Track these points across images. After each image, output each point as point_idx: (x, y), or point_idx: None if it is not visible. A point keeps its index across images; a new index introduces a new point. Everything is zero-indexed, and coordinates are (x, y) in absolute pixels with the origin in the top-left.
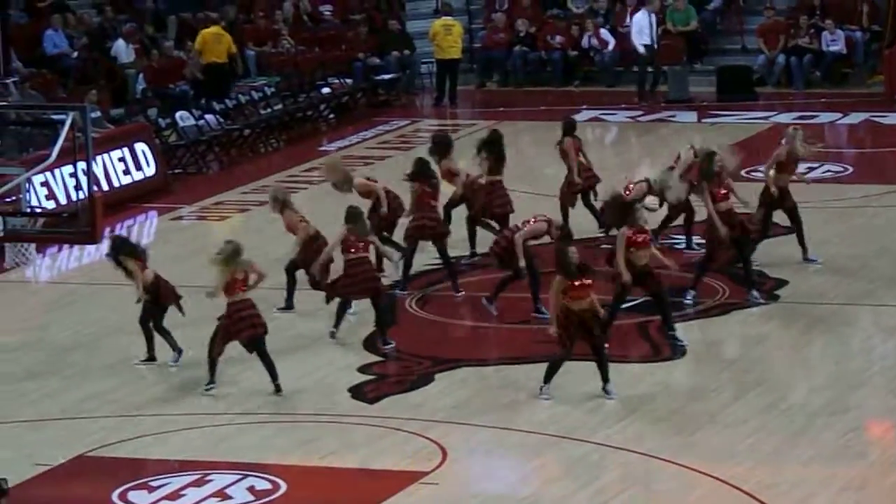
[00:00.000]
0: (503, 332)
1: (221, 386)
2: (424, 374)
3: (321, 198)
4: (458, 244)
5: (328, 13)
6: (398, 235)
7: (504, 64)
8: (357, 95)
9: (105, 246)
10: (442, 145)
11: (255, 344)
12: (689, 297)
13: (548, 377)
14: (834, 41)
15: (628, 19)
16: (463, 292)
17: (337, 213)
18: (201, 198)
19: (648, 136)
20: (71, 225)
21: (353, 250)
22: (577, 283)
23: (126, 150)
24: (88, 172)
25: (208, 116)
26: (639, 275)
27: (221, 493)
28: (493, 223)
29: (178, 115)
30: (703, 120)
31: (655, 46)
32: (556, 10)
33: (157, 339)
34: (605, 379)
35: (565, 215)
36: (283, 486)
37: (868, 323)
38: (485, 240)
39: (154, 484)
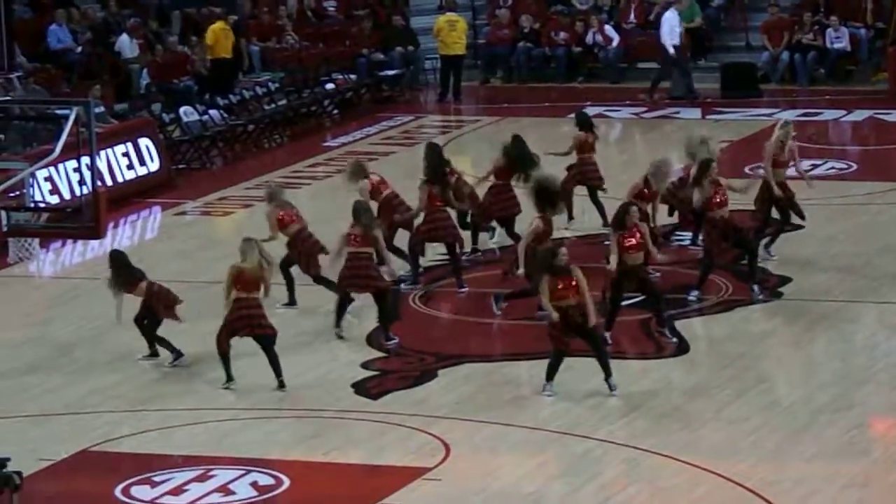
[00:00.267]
0: (506, 329)
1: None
2: (428, 370)
3: (324, 194)
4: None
5: (332, 9)
6: (400, 239)
7: (508, 60)
8: (361, 91)
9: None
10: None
11: (263, 343)
12: (692, 295)
13: (549, 376)
14: (838, 38)
15: (632, 15)
16: (467, 288)
17: (338, 209)
18: (205, 193)
19: (653, 133)
20: (75, 220)
21: (352, 244)
22: (560, 285)
23: (130, 145)
24: (92, 167)
25: (212, 112)
26: (629, 274)
27: (225, 489)
28: (495, 225)
29: (181, 110)
30: (708, 117)
31: (680, 45)
32: (560, 7)
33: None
34: (608, 374)
35: (569, 208)
36: (287, 482)
37: (872, 320)
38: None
39: (157, 479)
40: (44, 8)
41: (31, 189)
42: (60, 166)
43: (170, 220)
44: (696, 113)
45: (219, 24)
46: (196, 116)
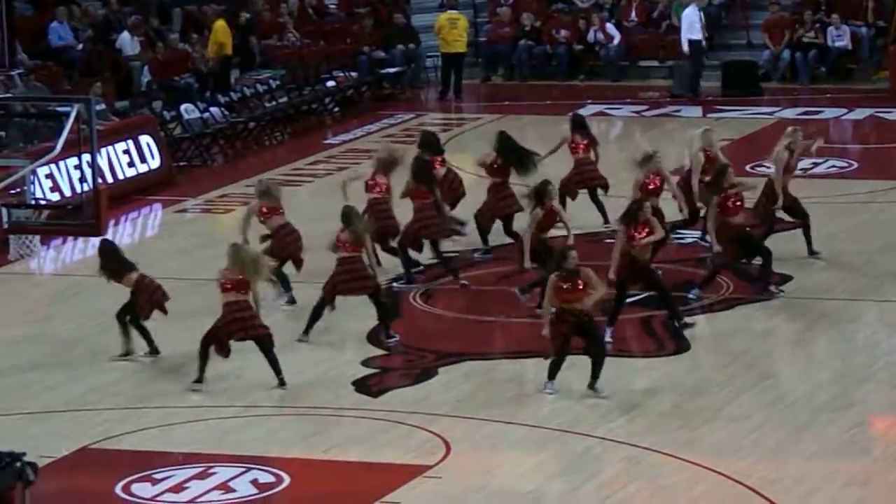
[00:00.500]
0: (507, 326)
1: (226, 379)
2: (428, 368)
3: (325, 192)
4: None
5: (333, 6)
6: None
7: (509, 58)
8: (362, 89)
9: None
10: (430, 144)
11: (262, 344)
12: (692, 294)
13: (551, 375)
14: (839, 36)
15: (633, 13)
16: (466, 281)
17: (339, 207)
18: (206, 190)
19: (653, 131)
20: (75, 217)
21: (344, 249)
22: (566, 286)
23: (131, 142)
24: (93, 165)
25: (213, 109)
26: (638, 270)
27: (225, 486)
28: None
29: (182, 107)
30: (709, 115)
31: (704, 42)
32: (562, 5)
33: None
34: (594, 377)
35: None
36: (287, 480)
37: (873, 318)
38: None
39: (158, 476)
40: (45, 5)
41: (32, 186)
42: (61, 163)
43: (171, 218)
44: (697, 111)
45: (222, 22)
46: (197, 114)
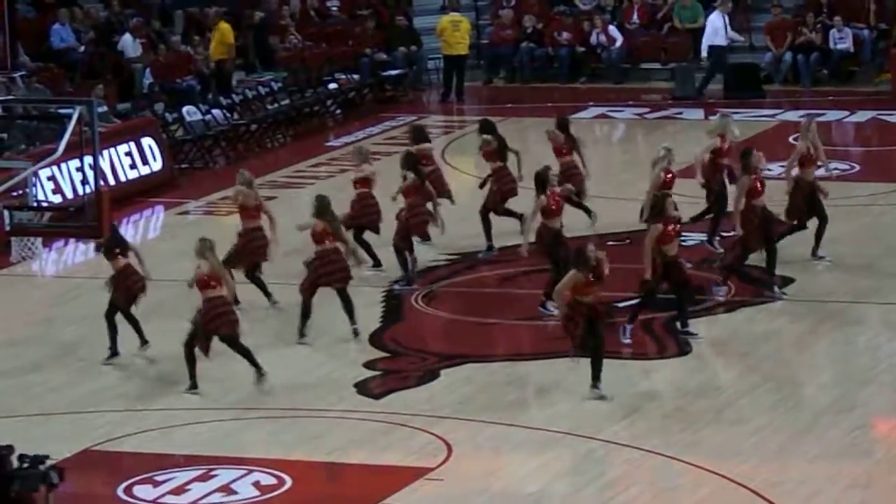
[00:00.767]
0: (509, 329)
1: (227, 381)
2: (430, 370)
3: (327, 194)
4: (462, 240)
5: (335, 8)
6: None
7: (511, 60)
8: (364, 91)
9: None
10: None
11: (232, 339)
12: (721, 294)
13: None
14: (842, 39)
15: (635, 16)
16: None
17: (340, 209)
18: (208, 192)
19: (655, 134)
20: (77, 219)
21: (326, 241)
22: (588, 281)
23: (133, 144)
24: (95, 167)
25: (215, 111)
26: (666, 266)
27: (227, 488)
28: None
29: (184, 109)
30: (710, 117)
31: (725, 48)
32: (563, 7)
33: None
34: (595, 377)
35: None
36: (289, 482)
37: (875, 321)
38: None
39: (159, 478)
40: (47, 7)
41: (34, 188)
42: (63, 165)
43: (172, 220)
44: (699, 114)
45: (227, 24)
46: (199, 116)
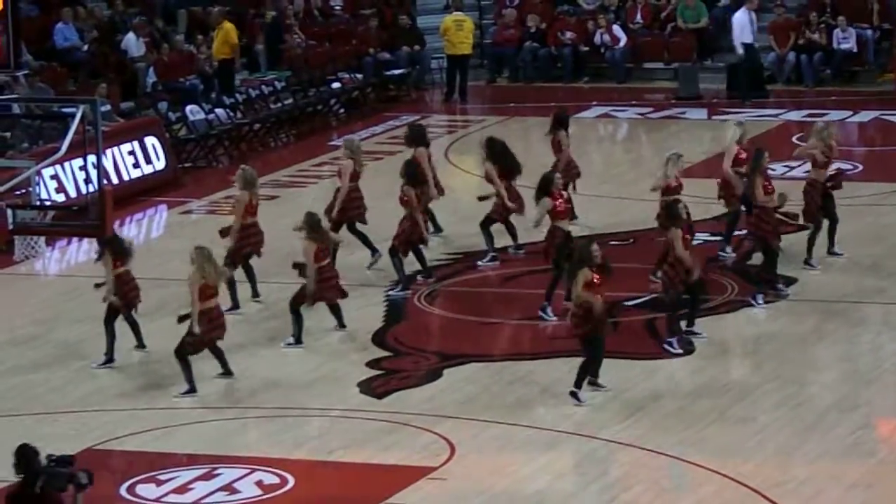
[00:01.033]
0: (512, 328)
1: (229, 381)
2: (433, 370)
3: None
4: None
5: (338, 8)
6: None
7: (514, 60)
8: (367, 90)
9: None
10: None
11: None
12: (760, 300)
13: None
14: (845, 39)
15: (638, 15)
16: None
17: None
18: (211, 192)
19: (658, 133)
20: (81, 218)
21: (323, 258)
22: (596, 278)
23: (136, 143)
24: (98, 166)
25: (218, 111)
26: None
27: (229, 488)
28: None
29: (188, 109)
30: (714, 117)
31: (756, 45)
32: (567, 7)
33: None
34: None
35: None
36: (291, 481)
37: (878, 321)
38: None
39: (162, 478)
40: (50, 6)
41: (37, 187)
42: (66, 164)
43: (176, 219)
44: (702, 114)
45: (230, 24)
46: (202, 115)
